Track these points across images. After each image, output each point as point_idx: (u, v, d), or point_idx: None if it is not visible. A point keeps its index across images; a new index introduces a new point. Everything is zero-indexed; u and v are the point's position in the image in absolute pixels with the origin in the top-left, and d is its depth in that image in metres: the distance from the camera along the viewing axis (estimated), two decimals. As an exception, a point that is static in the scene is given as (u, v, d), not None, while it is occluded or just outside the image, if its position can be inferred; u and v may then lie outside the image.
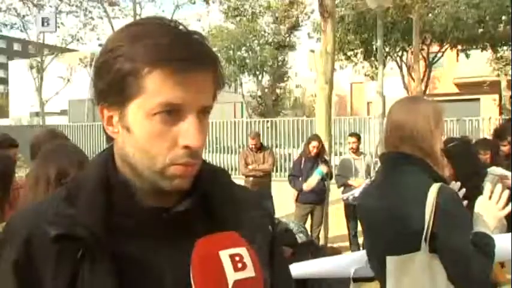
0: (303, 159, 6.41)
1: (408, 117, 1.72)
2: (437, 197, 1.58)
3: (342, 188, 6.55)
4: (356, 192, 6.11)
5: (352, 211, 6.36)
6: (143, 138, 0.76)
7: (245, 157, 7.27)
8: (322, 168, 6.06)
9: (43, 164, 1.75)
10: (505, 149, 4.61)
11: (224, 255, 0.74)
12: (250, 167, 7.10)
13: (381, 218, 1.74)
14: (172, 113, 0.75)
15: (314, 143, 6.33)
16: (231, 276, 0.73)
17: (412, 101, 1.84)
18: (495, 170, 3.76)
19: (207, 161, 0.89)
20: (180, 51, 0.74)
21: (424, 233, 1.58)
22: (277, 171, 11.95)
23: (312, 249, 3.52)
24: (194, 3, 10.60)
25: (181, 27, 0.78)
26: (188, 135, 0.75)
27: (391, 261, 1.67)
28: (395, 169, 1.76)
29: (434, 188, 1.61)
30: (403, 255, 1.63)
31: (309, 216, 6.45)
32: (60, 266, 0.75)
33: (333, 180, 6.65)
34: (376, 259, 1.78)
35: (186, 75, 0.74)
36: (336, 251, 6.17)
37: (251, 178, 7.06)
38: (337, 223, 6.62)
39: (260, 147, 7.31)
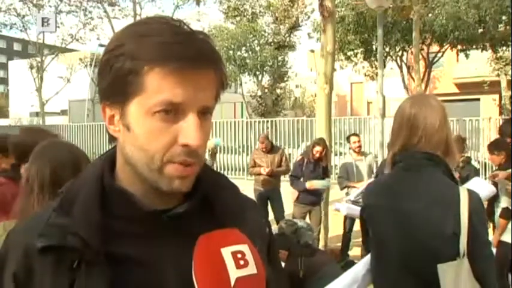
0: (305, 160, 6.35)
1: (434, 117, 1.68)
2: (470, 202, 1.58)
3: (346, 190, 6.48)
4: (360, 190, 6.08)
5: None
6: (142, 136, 0.75)
7: (255, 158, 7.26)
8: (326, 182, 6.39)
9: (34, 166, 1.61)
10: None
11: (226, 252, 0.74)
12: (263, 170, 7.02)
13: (410, 220, 1.66)
14: (172, 111, 0.74)
15: (318, 148, 6.23)
16: (233, 273, 0.72)
17: (426, 98, 1.77)
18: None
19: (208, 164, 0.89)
20: (181, 50, 0.73)
21: (466, 238, 1.56)
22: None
23: (306, 252, 3.56)
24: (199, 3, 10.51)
25: (185, 27, 0.77)
26: (187, 133, 0.74)
27: (446, 268, 1.57)
28: (419, 169, 1.68)
29: (464, 192, 1.61)
30: (454, 261, 1.57)
31: (308, 216, 6.42)
32: (57, 276, 0.75)
33: (333, 180, 6.64)
34: (402, 264, 1.69)
35: (186, 74, 0.73)
36: (334, 253, 6.19)
37: (261, 177, 7.05)
38: (336, 223, 6.62)
39: (271, 148, 7.25)
